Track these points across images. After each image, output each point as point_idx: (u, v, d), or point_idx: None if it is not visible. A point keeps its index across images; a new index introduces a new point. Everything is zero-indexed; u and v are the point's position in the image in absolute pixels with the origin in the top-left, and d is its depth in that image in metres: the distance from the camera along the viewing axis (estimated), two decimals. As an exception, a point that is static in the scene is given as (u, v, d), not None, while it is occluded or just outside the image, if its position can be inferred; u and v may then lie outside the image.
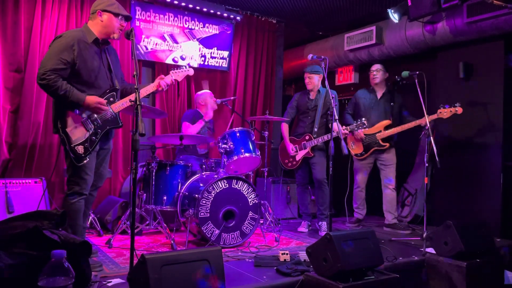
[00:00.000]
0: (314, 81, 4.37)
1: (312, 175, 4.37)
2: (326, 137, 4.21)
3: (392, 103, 4.57)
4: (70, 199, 2.84)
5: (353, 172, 4.70)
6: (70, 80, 2.77)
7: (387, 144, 4.46)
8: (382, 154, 4.51)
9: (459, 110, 4.02)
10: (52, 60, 2.70)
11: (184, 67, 3.26)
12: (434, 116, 4.07)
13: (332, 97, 3.62)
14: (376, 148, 4.49)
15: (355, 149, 4.60)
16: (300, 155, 4.37)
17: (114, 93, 2.93)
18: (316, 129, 4.33)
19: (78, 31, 2.89)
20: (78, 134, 2.78)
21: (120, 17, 2.90)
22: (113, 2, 2.91)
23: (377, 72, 4.57)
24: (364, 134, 4.50)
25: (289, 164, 4.48)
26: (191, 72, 3.25)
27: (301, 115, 4.51)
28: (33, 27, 4.14)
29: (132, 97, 2.71)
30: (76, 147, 2.77)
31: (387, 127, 4.46)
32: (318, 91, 4.41)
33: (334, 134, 3.52)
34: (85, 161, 2.78)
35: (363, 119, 4.12)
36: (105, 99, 2.87)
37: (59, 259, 1.65)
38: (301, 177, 4.50)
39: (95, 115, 2.85)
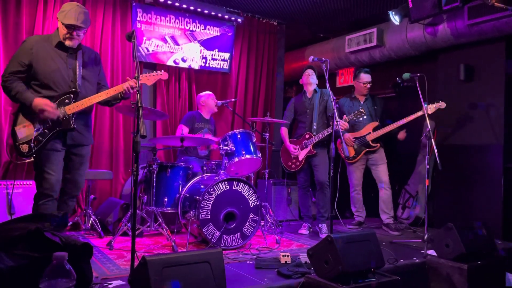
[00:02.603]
0: (314, 78, 4.44)
1: (314, 177, 4.37)
2: (326, 132, 4.21)
3: (375, 107, 4.65)
4: (36, 201, 2.85)
5: (343, 177, 4.69)
6: (30, 81, 2.86)
7: (378, 145, 4.54)
8: (372, 154, 4.58)
9: (443, 104, 4.16)
10: (12, 63, 2.85)
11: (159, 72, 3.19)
12: (420, 113, 4.09)
13: (333, 99, 3.62)
14: (367, 149, 4.54)
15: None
16: (302, 154, 4.36)
17: (71, 95, 2.88)
18: (315, 127, 4.35)
19: (43, 36, 3.11)
20: (25, 133, 2.83)
21: (66, 25, 2.84)
22: (65, 9, 2.86)
23: (370, 84, 4.62)
24: (354, 138, 4.57)
25: (293, 166, 4.47)
26: (164, 76, 3.16)
27: (300, 116, 4.52)
28: (34, 29, 4.15)
29: (87, 101, 2.89)
30: (20, 146, 2.83)
31: (375, 129, 4.54)
32: (315, 90, 4.45)
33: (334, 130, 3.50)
34: (32, 158, 2.83)
35: (360, 107, 4.11)
36: (59, 101, 2.85)
37: (60, 261, 1.65)
38: (303, 179, 4.49)
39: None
